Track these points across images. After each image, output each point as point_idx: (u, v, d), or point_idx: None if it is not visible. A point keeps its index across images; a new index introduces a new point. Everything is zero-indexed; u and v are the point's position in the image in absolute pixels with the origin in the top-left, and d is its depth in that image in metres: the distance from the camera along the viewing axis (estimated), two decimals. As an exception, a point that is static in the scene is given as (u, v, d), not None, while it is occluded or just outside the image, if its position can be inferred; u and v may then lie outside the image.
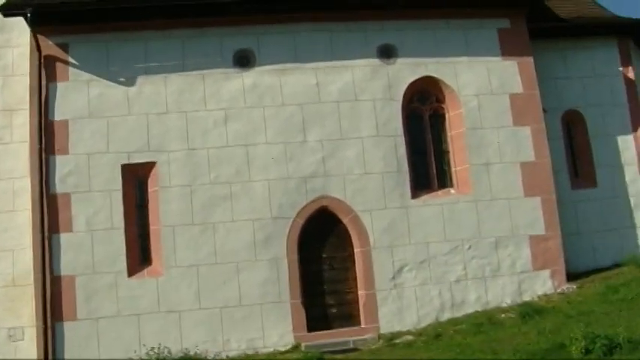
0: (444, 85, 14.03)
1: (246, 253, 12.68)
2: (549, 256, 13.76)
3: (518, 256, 13.66)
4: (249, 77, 13.30)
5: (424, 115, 14.19)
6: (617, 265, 14.64)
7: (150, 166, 12.84)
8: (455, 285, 13.30)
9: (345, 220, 13.20)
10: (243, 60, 13.40)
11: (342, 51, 13.71)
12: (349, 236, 13.25)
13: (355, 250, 13.20)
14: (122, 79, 12.98)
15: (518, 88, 14.22)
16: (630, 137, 15.85)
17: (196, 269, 12.51)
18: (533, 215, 13.81)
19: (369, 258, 13.07)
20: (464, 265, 13.37)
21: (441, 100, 14.20)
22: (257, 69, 13.35)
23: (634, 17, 16.56)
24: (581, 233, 14.97)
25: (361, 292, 13.05)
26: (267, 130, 13.13)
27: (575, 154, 15.81)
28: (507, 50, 14.36)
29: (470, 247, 13.46)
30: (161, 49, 13.18)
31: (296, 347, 12.45)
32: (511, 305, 13.21)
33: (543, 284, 13.68)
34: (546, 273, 13.71)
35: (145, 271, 12.61)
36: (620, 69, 16.18)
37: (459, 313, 13.14)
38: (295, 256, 12.81)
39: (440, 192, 13.85)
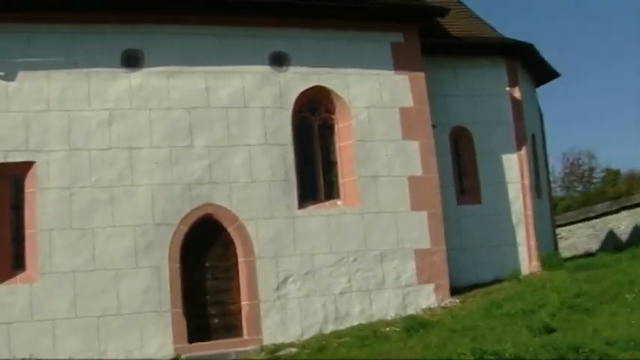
0: (335, 96, 15.26)
1: (127, 260, 13.24)
2: (434, 270, 15.25)
3: (404, 270, 15.03)
4: (136, 78, 13.90)
5: (314, 125, 15.36)
6: (498, 281, 16.46)
7: (27, 165, 13.17)
8: (339, 297, 14.47)
9: (230, 229, 14.06)
10: (132, 60, 13.97)
11: (234, 56, 14.58)
12: (234, 245, 14.08)
13: (239, 260, 14.05)
14: (1, 73, 13.28)
15: (408, 102, 15.71)
16: (514, 156, 17.90)
17: (73, 276, 12.95)
18: (419, 229, 15.26)
19: (253, 268, 13.98)
20: (349, 278, 14.58)
21: (331, 110, 15.41)
22: (145, 70, 13.99)
23: (522, 40, 18.70)
24: (465, 248, 16.78)
25: (244, 303, 13.91)
26: (152, 134, 13.77)
27: (462, 171, 17.73)
28: (400, 64, 15.79)
29: (355, 260, 14.69)
30: (45, 44, 13.52)
31: (175, 359, 13.10)
32: (395, 318, 14.45)
33: (427, 298, 15.12)
34: (431, 287, 15.19)
35: (18, 277, 12.90)
36: (507, 89, 18.26)
37: (343, 326, 14.29)
38: (177, 265, 13.51)
39: (327, 203, 15.00)
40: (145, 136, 13.80)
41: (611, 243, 28.67)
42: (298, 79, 15.07)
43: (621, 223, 30.20)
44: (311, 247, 14.47)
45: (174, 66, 14.23)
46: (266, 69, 14.88)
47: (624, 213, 30.15)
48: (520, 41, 18.64)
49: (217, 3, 14.50)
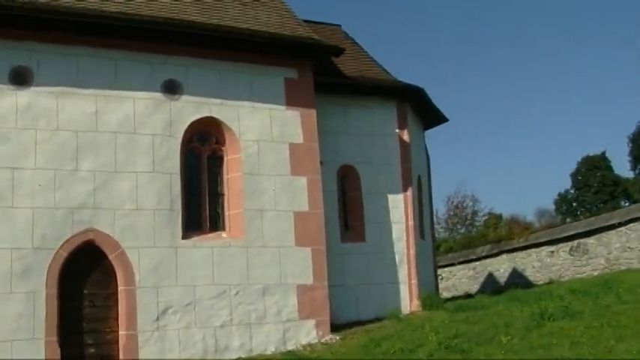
0: (226, 128, 15.64)
1: (1, 285, 13.07)
2: (315, 306, 15.75)
3: (285, 305, 15.46)
4: (24, 97, 13.84)
5: (203, 155, 15.65)
6: (379, 319, 17.11)
7: None
8: (220, 330, 14.71)
9: (112, 256, 14.13)
10: (20, 78, 13.92)
11: (126, 81, 14.74)
12: (114, 273, 14.14)
13: (119, 288, 14.10)
14: None
15: (298, 138, 16.28)
16: (400, 196, 18.77)
17: (-56, 298, 12.69)
18: (302, 265, 15.76)
19: (134, 297, 14.05)
20: (230, 311, 14.86)
21: (221, 142, 15.77)
22: (34, 89, 13.95)
23: (413, 83, 19.75)
24: (347, 285, 17.44)
25: (122, 333, 13.94)
26: (37, 155, 13.71)
27: (348, 208, 18.41)
28: (292, 100, 16.36)
29: (237, 293, 15.00)
30: None
31: (47, 388, 12.98)
32: (275, 353, 14.88)
33: (308, 334, 15.57)
34: (311, 323, 15.66)
35: None
36: (397, 130, 19.18)
37: (222, 359, 14.57)
38: (55, 291, 13.40)
39: (211, 234, 15.28)
40: (29, 157, 13.71)
41: (490, 285, 30.09)
42: (190, 109, 15.35)
43: (500, 266, 31.75)
44: (193, 278, 14.67)
45: (64, 87, 14.23)
46: (158, 96, 15.08)
47: (504, 256, 31.74)
48: (411, 85, 19.65)
49: (112, 26, 14.68)
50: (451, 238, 44.11)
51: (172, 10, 15.94)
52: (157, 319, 14.21)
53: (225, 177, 15.74)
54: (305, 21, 18.41)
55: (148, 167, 14.66)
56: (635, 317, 12.24)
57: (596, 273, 26.26)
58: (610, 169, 59.42)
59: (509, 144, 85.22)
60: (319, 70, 17.31)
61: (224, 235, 15.44)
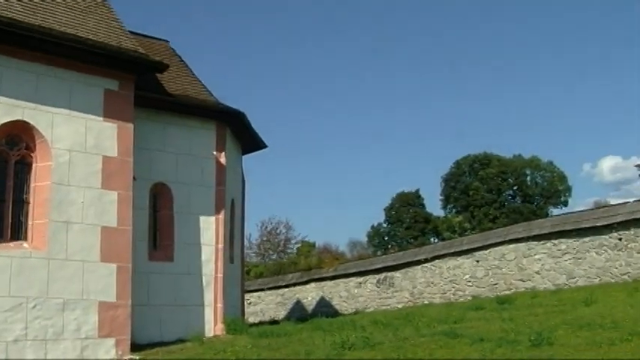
0: (38, 134, 15.33)
1: None
2: (116, 325, 15.71)
3: (85, 321, 15.30)
4: None
5: (10, 160, 15.26)
6: (182, 341, 17.35)
7: None
8: (12, 345, 14.24)
9: None
10: None
11: None
12: None
13: None
14: None
15: (113, 151, 16.28)
16: (212, 218, 19.20)
17: None
18: (106, 281, 15.71)
19: None
20: (25, 325, 14.46)
21: (31, 148, 15.43)
22: None
23: (235, 107, 20.30)
24: (151, 305, 17.59)
25: None
26: None
27: (158, 227, 18.56)
28: (110, 112, 16.35)
29: (35, 306, 14.66)
30: None
31: None
32: (69, 373, 14.66)
33: (107, 352, 15.51)
34: (111, 341, 15.61)
35: None
36: (214, 152, 19.62)
37: (11, 376, 14.14)
38: None
39: (12, 244, 14.88)
40: None
41: (298, 313, 30.96)
42: (1, 110, 14.94)
43: (309, 294, 32.78)
44: (-12, 288, 14.24)
45: None
46: (-33, 94, 14.61)
47: (313, 285, 32.81)
48: (232, 108, 20.17)
49: None
50: (262, 264, 44.88)
51: (-7, 5, 15.54)
52: (-58, 330, 13.68)
53: (32, 185, 15.42)
54: (133, 33, 18.52)
55: (-52, 169, 14.17)
56: (429, 350, 13.21)
57: (400, 306, 27.82)
58: (422, 206, 62.67)
59: (328, 175, 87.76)
60: (142, 85, 17.42)
61: (26, 245, 15.09)
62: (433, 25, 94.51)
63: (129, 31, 18.05)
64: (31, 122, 15.35)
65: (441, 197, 64.83)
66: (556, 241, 24.52)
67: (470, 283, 26.69)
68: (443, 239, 51.47)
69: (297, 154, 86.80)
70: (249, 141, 22.43)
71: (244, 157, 23.51)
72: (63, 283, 15.18)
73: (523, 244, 25.39)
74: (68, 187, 15.54)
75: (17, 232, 15.20)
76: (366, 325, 17.64)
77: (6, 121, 15.04)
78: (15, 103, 15.15)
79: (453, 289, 27.13)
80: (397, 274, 29.33)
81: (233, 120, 20.36)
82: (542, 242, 24.91)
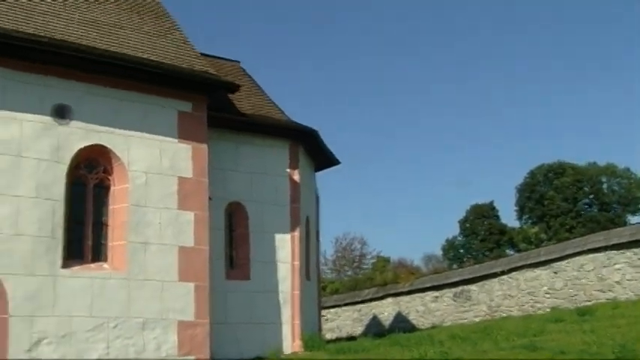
0: (115, 157, 15.55)
1: None
2: (196, 343, 15.72)
3: (165, 340, 15.37)
4: None
5: (89, 183, 15.50)
6: (259, 358, 17.35)
7: None
8: None
9: (-15, 283, 13.73)
10: None
11: (14, 102, 14.46)
12: (-13, 300, 13.74)
13: (-8, 316, 13.72)
14: None
15: (188, 172, 16.38)
16: (288, 236, 19.12)
17: None
18: (184, 300, 15.77)
19: (5, 326, 13.67)
20: (107, 344, 14.65)
21: (108, 171, 15.65)
22: None
23: (307, 125, 20.23)
24: (229, 323, 17.59)
25: None
26: None
27: (234, 246, 18.58)
28: (184, 133, 16.48)
29: (116, 326, 14.83)
30: None
31: None
32: (151, 389, 14.76)
33: (187, 370, 15.52)
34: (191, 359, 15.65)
35: None
36: (288, 170, 19.58)
37: (96, 393, 14.32)
38: None
39: (93, 265, 15.11)
40: None
41: (374, 328, 30.66)
42: (79, 135, 15.19)
43: (385, 310, 32.43)
44: (70, 308, 14.42)
45: (-54, 104, 13.87)
46: (47, 120, 14.87)
47: (389, 300, 32.45)
48: (304, 126, 20.14)
49: (4, 44, 14.46)
50: (338, 280, 44.75)
51: (70, 33, 15.88)
52: (30, 350, 13.87)
53: (110, 207, 15.63)
54: (204, 55, 18.71)
55: (30, 192, 14.41)
56: (509, 363, 12.90)
57: (477, 319, 27.23)
58: (497, 218, 61.65)
59: (401, 189, 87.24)
60: (214, 106, 17.50)
61: (106, 266, 15.29)
62: (512, 26, 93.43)
63: (200, 53, 18.20)
64: (108, 146, 15.56)
65: (515, 208, 63.70)
66: (637, 250, 23.60)
67: (548, 295, 25.93)
68: (519, 251, 50.49)
69: (369, 170, 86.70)
70: (322, 158, 22.32)
71: (317, 173, 23.39)
72: (142, 303, 15.29)
73: (602, 253, 24.49)
74: (145, 208, 15.68)
75: (97, 253, 15.40)
76: (444, 340, 17.30)
77: (84, 145, 15.27)
78: (92, 127, 15.38)
79: (531, 301, 26.40)
80: (474, 287, 28.75)
81: (306, 138, 20.31)
82: (621, 251, 23.98)
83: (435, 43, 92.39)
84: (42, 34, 15.18)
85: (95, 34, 16.41)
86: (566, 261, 25.56)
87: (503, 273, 27.65)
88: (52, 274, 14.39)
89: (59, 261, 14.54)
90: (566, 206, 59.27)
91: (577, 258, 25.24)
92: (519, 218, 63.58)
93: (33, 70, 14.90)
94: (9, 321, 13.79)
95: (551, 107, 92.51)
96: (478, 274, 28.79)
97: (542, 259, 26.50)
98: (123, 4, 18.51)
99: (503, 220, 61.66)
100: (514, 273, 27.29)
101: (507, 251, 56.89)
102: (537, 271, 26.45)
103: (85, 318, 14.57)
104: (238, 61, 22.32)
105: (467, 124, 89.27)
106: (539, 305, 26.04)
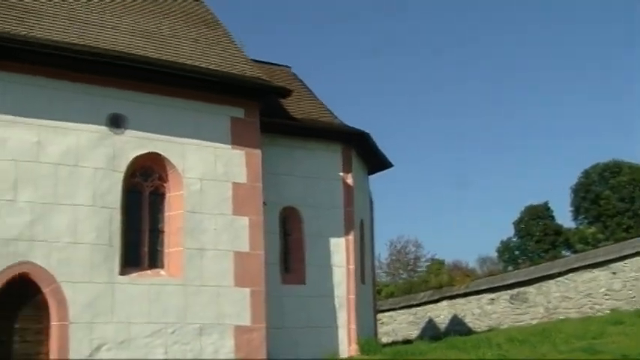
0: (169, 164, 15.67)
1: None
2: (252, 348, 15.74)
3: (222, 345, 15.42)
4: None
5: (145, 191, 15.64)
6: (317, 362, 17.18)
7: None
8: None
9: (46, 290, 13.90)
10: None
11: (71, 112, 14.67)
12: (47, 308, 13.92)
13: (52, 324, 13.87)
14: None
15: (242, 178, 16.42)
16: (342, 240, 19.01)
17: None
18: (240, 305, 15.79)
19: (66, 333, 13.85)
20: (165, 349, 14.76)
21: (163, 178, 15.77)
22: None
23: (360, 128, 20.07)
24: (285, 328, 17.52)
25: None
26: (-26, 183, 13.51)
27: (289, 250, 18.54)
28: (237, 139, 16.53)
29: (174, 332, 14.94)
30: None
31: None
32: (209, 394, 14.77)
33: (245, 374, 15.47)
34: (248, 364, 15.59)
35: None
36: (341, 174, 19.48)
37: (155, 398, 14.39)
38: None
39: (150, 272, 15.23)
40: (-35, 185, 13.50)
41: (430, 331, 30.34)
42: (134, 143, 15.35)
43: (441, 313, 32.08)
44: (129, 315, 14.56)
45: (6, 114, 14.11)
46: (103, 129, 15.05)
47: (444, 303, 32.10)
48: (357, 129, 20.01)
49: (60, 57, 14.65)
50: (392, 283, 44.45)
51: (123, 43, 16.05)
52: (90, 355, 14.04)
53: (166, 214, 15.73)
54: (255, 61, 18.71)
55: (88, 201, 14.58)
56: (569, 366, 12.61)
57: (535, 322, 26.75)
58: (552, 218, 60.65)
59: (454, 191, 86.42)
60: (266, 111, 17.51)
61: (162, 272, 15.40)
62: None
63: (251, 60, 18.21)
64: (163, 153, 15.69)
65: (570, 208, 62.54)
66: (697, 249, 22.96)
67: (607, 297, 25.35)
68: (575, 252, 49.59)
69: (422, 171, 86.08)
70: (375, 161, 22.18)
71: (371, 177, 23.25)
72: (199, 309, 15.36)
73: (661, 253, 23.91)
74: (200, 214, 15.73)
75: (154, 260, 15.51)
76: (501, 343, 17.04)
77: (139, 153, 15.42)
78: (147, 136, 15.53)
79: (590, 303, 25.84)
80: (530, 289, 28.26)
81: (358, 141, 20.19)
82: (681, 251, 23.38)
83: (485, 41, 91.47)
84: (97, 46, 15.35)
85: (148, 44, 16.58)
86: (624, 261, 24.99)
87: (560, 274, 27.12)
88: (110, 282, 14.54)
89: (117, 268, 14.68)
90: (622, 206, 58.01)
91: (636, 258, 24.67)
92: (575, 218, 62.40)
93: (88, 81, 15.09)
94: (69, 327, 13.97)
95: (605, 105, 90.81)
96: (534, 276, 28.30)
97: (600, 259, 25.95)
98: (175, 14, 18.70)
99: (559, 221, 60.60)
100: (571, 274, 26.74)
101: (563, 252, 55.93)
102: (595, 272, 25.91)
103: (143, 324, 14.69)
104: (289, 66, 22.35)
105: (519, 124, 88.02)
106: (597, 307, 25.49)
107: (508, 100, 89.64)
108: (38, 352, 13.88)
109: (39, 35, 14.80)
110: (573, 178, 63.32)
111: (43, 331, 13.97)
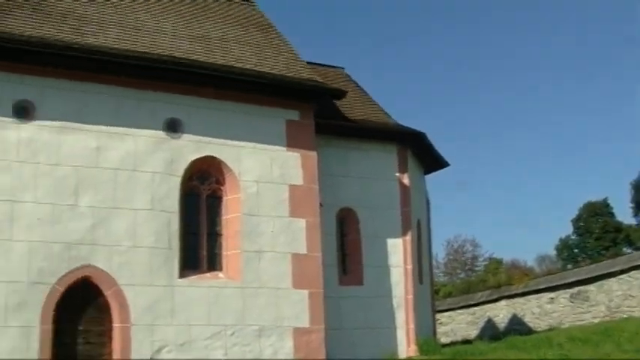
0: (226, 168, 15.75)
1: None
2: (311, 349, 15.71)
3: (281, 347, 15.44)
4: (26, 130, 13.92)
5: (202, 194, 15.74)
6: (375, 363, 17.03)
7: None
8: None
9: (108, 293, 14.11)
10: (23, 111, 14.03)
11: (128, 118, 14.86)
12: (109, 310, 14.12)
13: (114, 326, 14.08)
14: None
15: (298, 180, 16.40)
16: (399, 240, 18.83)
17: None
18: (299, 307, 15.77)
19: (128, 335, 14.03)
20: (225, 351, 14.84)
21: (220, 182, 15.86)
22: (36, 123, 14.04)
23: (415, 128, 19.88)
24: (344, 329, 17.40)
25: None
26: (37, 189, 13.80)
27: (346, 251, 18.45)
28: (293, 142, 16.52)
29: (233, 334, 15.00)
30: None
31: None
32: (269, 394, 14.81)
33: (304, 375, 15.45)
34: (307, 365, 15.55)
35: None
36: (397, 174, 19.29)
37: (216, 399, 14.46)
38: (49, 326, 13.38)
39: (208, 274, 15.32)
40: (28, 190, 13.77)
41: (489, 331, 29.93)
42: (191, 147, 15.47)
43: (500, 312, 31.63)
44: (188, 317, 14.66)
45: (66, 121, 14.33)
46: (160, 134, 15.20)
47: (503, 302, 31.62)
48: (412, 129, 19.82)
49: (117, 63, 14.85)
50: (450, 283, 44.10)
51: (178, 48, 16.18)
52: (152, 357, 14.18)
53: (223, 217, 15.82)
54: (309, 63, 18.69)
55: (147, 205, 14.74)
56: (635, 366, 12.27)
57: (596, 320, 26.15)
58: (612, 215, 59.41)
59: (511, 189, 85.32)
60: (321, 112, 17.46)
61: (221, 275, 15.46)
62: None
63: (305, 62, 18.19)
64: (219, 157, 15.76)
65: (631, 205, 61.22)
66: None
67: (672, 295, 24.69)
68: (637, 249, 48.47)
69: (478, 170, 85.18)
70: (431, 161, 21.92)
71: (427, 177, 23.00)
72: (258, 311, 15.40)
73: None
74: (258, 217, 15.77)
75: (212, 263, 15.59)
76: (562, 343, 16.70)
77: (196, 157, 15.52)
78: (203, 139, 15.63)
79: (654, 301, 25.19)
80: (591, 287, 27.62)
81: (414, 141, 19.99)
82: None
83: (538, 41, 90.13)
84: (152, 52, 15.50)
85: (202, 48, 16.67)
86: (689, 259, 24.30)
87: (622, 272, 26.43)
88: (170, 284, 14.67)
89: (176, 271, 14.80)
90: (685, 201, 56.58)
91: (701, 255, 23.96)
92: (635, 215, 61.07)
93: (145, 87, 15.27)
94: (131, 329, 14.14)
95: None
96: (595, 274, 27.65)
97: (665, 256, 25.28)
98: (228, 18, 18.80)
99: (619, 218, 59.32)
100: (634, 272, 26.03)
101: (624, 249, 54.73)
102: (659, 270, 25.22)
103: (203, 326, 14.78)
104: (342, 67, 22.25)
105: (578, 121, 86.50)
106: (662, 305, 24.83)
107: (565, 97, 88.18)
108: (101, 354, 14.09)
109: (95, 42, 15.01)
110: (633, 173, 61.88)
111: (106, 333, 14.17)
